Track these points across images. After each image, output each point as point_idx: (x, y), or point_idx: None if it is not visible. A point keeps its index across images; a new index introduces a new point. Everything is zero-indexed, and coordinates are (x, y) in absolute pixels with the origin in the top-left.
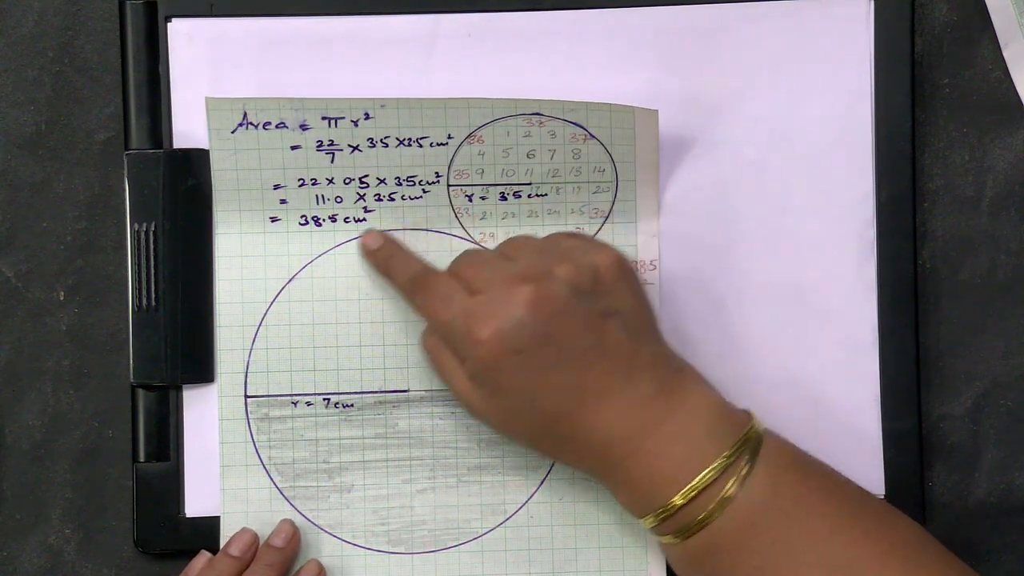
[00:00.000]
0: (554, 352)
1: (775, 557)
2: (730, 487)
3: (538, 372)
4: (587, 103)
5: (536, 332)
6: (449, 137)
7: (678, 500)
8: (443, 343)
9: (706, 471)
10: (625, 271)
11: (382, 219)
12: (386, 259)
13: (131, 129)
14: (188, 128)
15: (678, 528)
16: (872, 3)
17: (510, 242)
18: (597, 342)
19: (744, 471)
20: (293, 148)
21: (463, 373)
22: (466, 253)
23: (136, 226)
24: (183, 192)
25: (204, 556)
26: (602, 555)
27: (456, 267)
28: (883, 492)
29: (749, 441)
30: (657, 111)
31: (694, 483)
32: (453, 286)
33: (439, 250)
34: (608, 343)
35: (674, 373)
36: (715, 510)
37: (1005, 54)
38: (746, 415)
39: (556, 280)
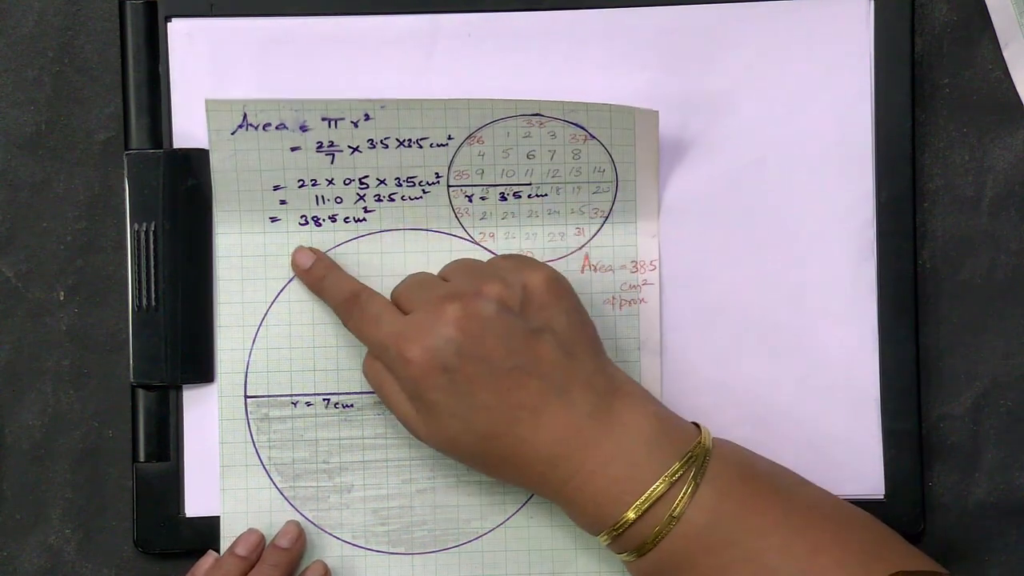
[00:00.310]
0: (484, 370)
1: (728, 574)
2: (678, 504)
3: (469, 391)
4: (587, 104)
5: (464, 349)
6: (449, 138)
7: (631, 514)
8: (382, 366)
9: (653, 486)
10: (558, 289)
11: (382, 219)
12: (319, 279)
13: (131, 129)
14: (188, 128)
15: (632, 546)
16: (872, 3)
17: (449, 264)
18: (528, 360)
19: (691, 487)
20: (293, 149)
21: (401, 397)
22: (409, 275)
23: (136, 226)
24: (183, 192)
25: (211, 556)
26: (601, 555)
27: (396, 290)
28: (883, 492)
29: (695, 457)
30: (657, 112)
31: (643, 499)
32: (385, 307)
33: (439, 250)
34: (540, 362)
35: (613, 391)
36: (665, 527)
37: (1005, 54)
38: (693, 429)
39: (484, 298)
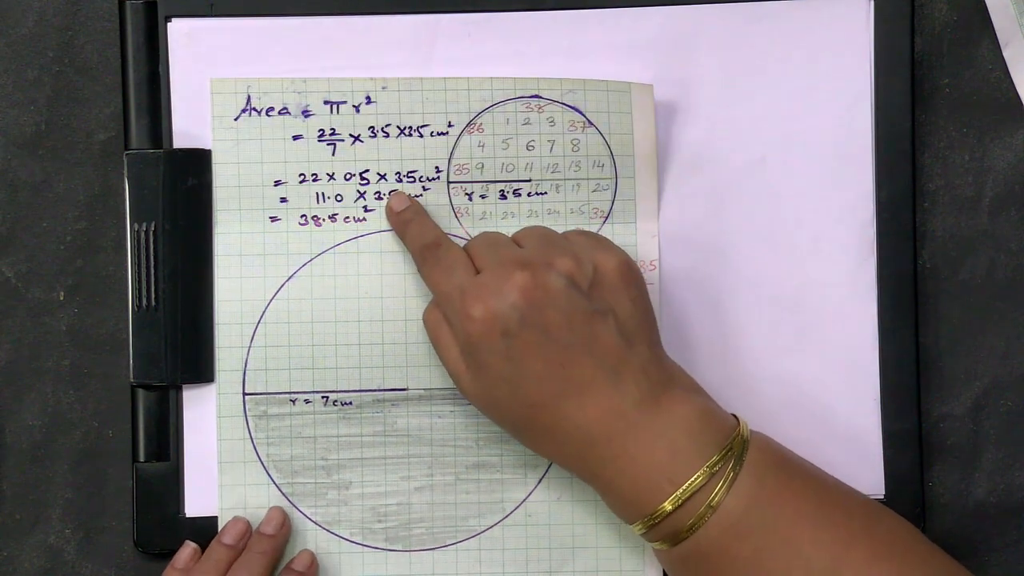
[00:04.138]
0: (541, 340)
1: (761, 563)
2: (716, 494)
3: (522, 358)
4: (585, 80)
5: (525, 317)
6: (449, 125)
7: (668, 506)
8: (443, 317)
9: (693, 478)
10: (628, 275)
11: (382, 219)
12: (405, 222)
13: (131, 129)
14: (188, 128)
15: (667, 534)
16: (872, 3)
17: (525, 229)
18: (586, 339)
19: (730, 477)
20: (295, 138)
21: (455, 351)
22: (483, 233)
23: (136, 226)
24: (183, 192)
25: (189, 547)
26: (599, 554)
27: (469, 244)
28: (883, 492)
29: (734, 448)
30: (652, 85)
31: (682, 490)
32: (460, 260)
33: None
34: (597, 343)
35: (664, 382)
36: (702, 517)
37: (1005, 54)
38: (733, 420)
39: (554, 271)
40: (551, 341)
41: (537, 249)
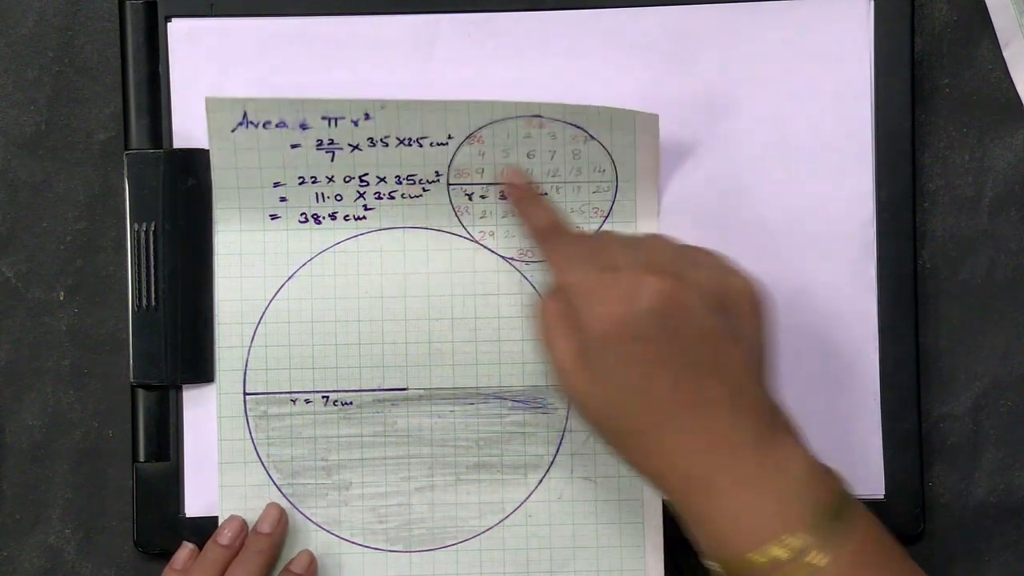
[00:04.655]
0: (672, 352)
1: None
2: (816, 557)
3: (648, 367)
4: (587, 107)
5: (658, 325)
6: (449, 137)
7: (759, 558)
8: (563, 308)
9: (798, 536)
10: (760, 304)
11: (382, 218)
12: (524, 199)
13: (131, 129)
14: (188, 128)
15: None
16: (872, 3)
17: (649, 236)
18: (716, 362)
19: (833, 544)
20: (293, 147)
21: (573, 346)
22: (605, 231)
23: (136, 226)
24: (183, 192)
25: (187, 548)
26: (600, 554)
27: (599, 236)
28: (883, 492)
29: (843, 515)
30: (658, 116)
31: (781, 547)
32: (588, 253)
33: (439, 248)
34: (725, 368)
35: (778, 424)
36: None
37: (1005, 54)
38: (840, 483)
39: (692, 284)
40: (681, 355)
41: (674, 258)
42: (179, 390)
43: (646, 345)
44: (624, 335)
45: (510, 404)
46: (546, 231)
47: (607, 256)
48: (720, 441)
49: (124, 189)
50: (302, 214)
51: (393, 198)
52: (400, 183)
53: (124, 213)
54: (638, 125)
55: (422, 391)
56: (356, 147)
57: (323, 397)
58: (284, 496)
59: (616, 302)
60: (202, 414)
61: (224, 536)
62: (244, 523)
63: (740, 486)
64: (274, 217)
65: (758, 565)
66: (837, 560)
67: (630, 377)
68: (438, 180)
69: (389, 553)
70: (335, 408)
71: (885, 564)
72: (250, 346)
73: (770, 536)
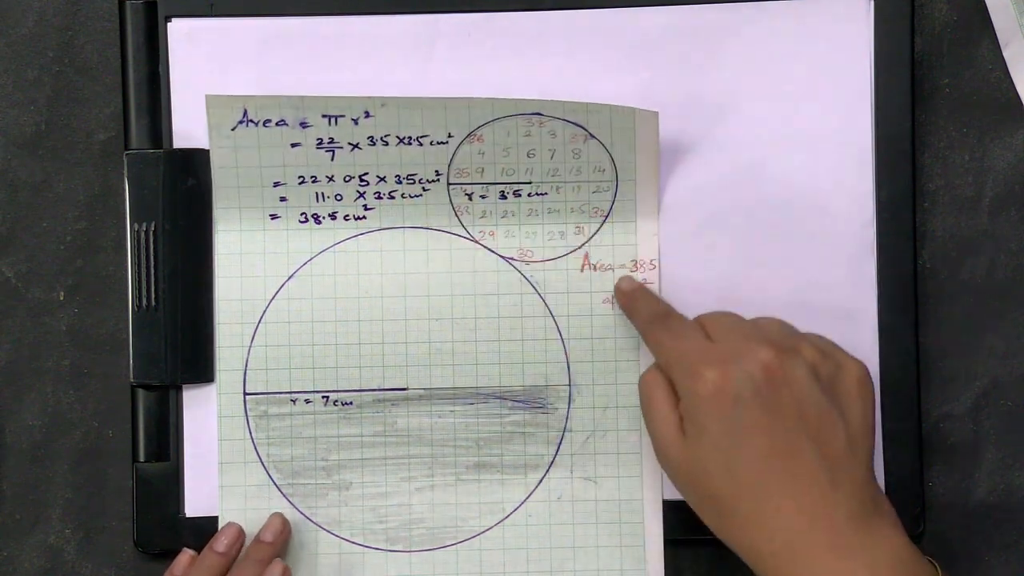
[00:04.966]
0: (770, 420)
1: None
2: None
3: (746, 433)
4: (587, 104)
5: (761, 391)
6: (449, 136)
7: None
8: (662, 380)
9: None
10: (867, 388)
11: (382, 217)
12: (633, 298)
13: (131, 129)
14: (188, 128)
15: None
16: (872, 3)
17: (762, 318)
18: (814, 433)
19: None
20: (293, 146)
21: (673, 414)
22: (719, 311)
23: (136, 226)
24: (183, 192)
25: (187, 554)
26: (600, 554)
27: (704, 317)
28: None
29: None
30: (657, 113)
31: None
32: (693, 329)
33: (439, 248)
34: (824, 442)
35: (875, 507)
36: None
37: (1005, 54)
38: (933, 569)
39: (800, 357)
40: (780, 424)
41: (785, 334)
42: (179, 390)
43: (745, 409)
44: (724, 398)
45: (510, 404)
46: (655, 316)
47: (713, 331)
48: (819, 513)
49: (124, 189)
50: (302, 214)
51: (393, 198)
52: (400, 183)
53: (124, 213)
54: (638, 122)
55: (422, 391)
56: (356, 146)
57: (323, 397)
58: (284, 496)
59: (718, 366)
60: (202, 414)
61: (220, 544)
62: (241, 530)
63: (837, 565)
64: (274, 217)
65: None
66: None
67: (727, 442)
68: (438, 180)
69: (389, 553)
70: (335, 408)
71: None
72: (250, 346)
73: None
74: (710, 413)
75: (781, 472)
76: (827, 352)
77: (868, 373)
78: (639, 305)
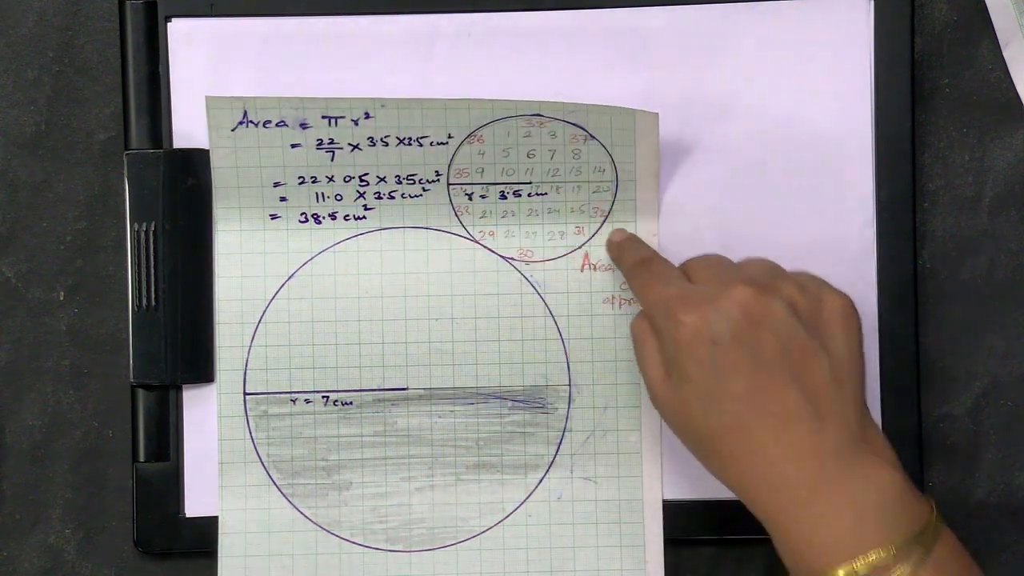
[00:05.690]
0: (749, 359)
1: None
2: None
3: (725, 374)
4: (588, 105)
5: (737, 330)
6: (449, 136)
7: (839, 573)
8: (649, 326)
9: (874, 555)
10: (851, 318)
11: (382, 217)
12: (621, 247)
13: (131, 129)
14: (188, 128)
15: None
16: (872, 3)
17: (747, 259)
18: (795, 370)
19: (912, 566)
20: (293, 146)
21: (659, 357)
22: (705, 255)
23: (136, 226)
24: (183, 192)
25: None
26: (600, 554)
27: (688, 262)
28: None
29: (925, 538)
30: (658, 114)
31: (859, 564)
32: (675, 272)
33: (439, 248)
34: (807, 377)
35: (865, 439)
36: None
37: (1005, 54)
38: (927, 506)
39: (778, 294)
40: (759, 362)
41: (761, 273)
42: (179, 390)
43: (722, 350)
44: (701, 340)
45: (510, 404)
46: (638, 262)
47: (694, 274)
48: (803, 450)
49: (124, 189)
50: (302, 214)
51: (393, 198)
52: (400, 183)
53: (124, 213)
54: (638, 123)
55: (422, 391)
56: (356, 147)
57: (323, 397)
58: (284, 496)
59: (695, 310)
60: (202, 414)
61: None
62: None
63: (824, 499)
64: (274, 217)
65: None
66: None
67: (709, 384)
68: (438, 180)
69: (389, 553)
70: (335, 408)
71: None
72: (250, 346)
73: (846, 551)
74: (690, 356)
75: (763, 410)
76: (807, 287)
77: (852, 305)
78: (626, 253)
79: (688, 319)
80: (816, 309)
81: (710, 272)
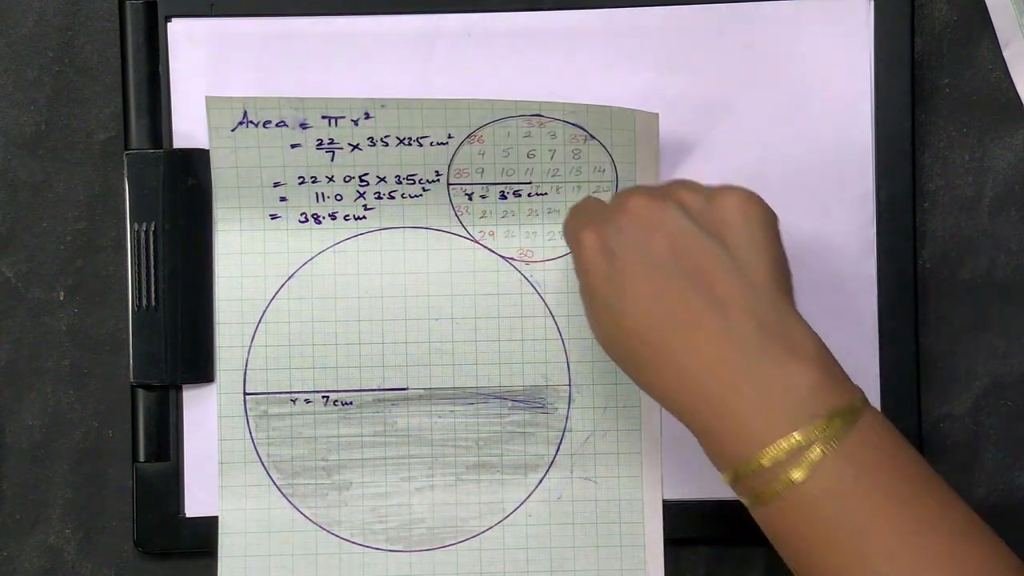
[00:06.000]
0: (642, 263)
1: (826, 560)
2: (796, 470)
3: (623, 282)
4: (588, 105)
5: (627, 236)
6: (449, 136)
7: (751, 466)
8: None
9: (779, 443)
10: (750, 209)
11: (382, 217)
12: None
13: (131, 129)
14: (188, 128)
15: (751, 493)
16: (872, 3)
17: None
18: (693, 269)
19: (816, 455)
20: (293, 146)
21: (580, 283)
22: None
23: (136, 226)
24: (183, 192)
25: None
26: (600, 554)
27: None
28: None
29: (832, 427)
30: (658, 115)
31: (764, 453)
32: (593, 203)
33: (439, 248)
34: (703, 273)
35: (781, 331)
36: (776, 490)
37: (1005, 54)
38: (850, 399)
39: (671, 198)
40: (653, 267)
41: (669, 184)
42: (179, 390)
43: (617, 259)
44: (597, 253)
45: (510, 404)
46: (575, 206)
47: (615, 198)
48: (707, 353)
49: (124, 189)
50: (302, 214)
51: (393, 198)
52: (400, 183)
53: (124, 213)
54: (638, 124)
55: (422, 391)
56: (356, 147)
57: (323, 397)
58: (284, 496)
59: (592, 226)
60: (202, 414)
61: None
62: None
63: (726, 400)
64: (274, 217)
65: (760, 469)
66: (818, 479)
67: (611, 296)
68: (438, 180)
69: (389, 553)
70: (335, 408)
71: (874, 498)
72: (250, 346)
73: (756, 443)
74: (595, 275)
75: (667, 316)
76: (699, 188)
77: (753, 196)
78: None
79: (587, 238)
80: (711, 207)
81: (620, 194)
